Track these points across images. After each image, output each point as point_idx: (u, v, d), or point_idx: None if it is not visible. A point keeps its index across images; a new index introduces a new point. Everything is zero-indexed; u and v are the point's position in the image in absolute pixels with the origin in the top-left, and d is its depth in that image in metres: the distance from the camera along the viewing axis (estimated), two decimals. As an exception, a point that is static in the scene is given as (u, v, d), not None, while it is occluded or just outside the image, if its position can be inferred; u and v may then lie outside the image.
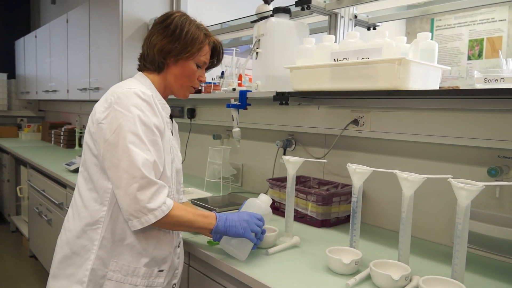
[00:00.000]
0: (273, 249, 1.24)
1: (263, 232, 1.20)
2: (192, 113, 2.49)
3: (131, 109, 1.03)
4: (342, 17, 1.69)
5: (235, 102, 1.68)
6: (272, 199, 1.54)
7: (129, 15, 2.53)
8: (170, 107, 1.24)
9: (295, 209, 1.47)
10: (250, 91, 1.70)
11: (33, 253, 3.30)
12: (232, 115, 1.69)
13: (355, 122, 1.60)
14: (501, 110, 1.22)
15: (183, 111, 2.57)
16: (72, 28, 3.30)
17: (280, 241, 1.32)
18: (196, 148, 2.52)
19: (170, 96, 1.28)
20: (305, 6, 1.58)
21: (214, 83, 2.09)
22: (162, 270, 1.13)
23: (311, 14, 1.71)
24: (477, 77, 1.10)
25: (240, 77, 2.07)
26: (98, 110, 1.08)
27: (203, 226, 1.12)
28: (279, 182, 1.68)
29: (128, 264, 1.08)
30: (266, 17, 1.65)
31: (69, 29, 3.34)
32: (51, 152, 3.49)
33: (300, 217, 1.57)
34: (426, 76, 1.25)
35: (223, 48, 1.31)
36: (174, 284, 1.22)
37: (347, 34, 1.42)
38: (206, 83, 2.08)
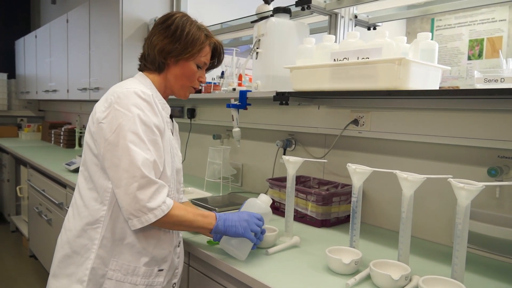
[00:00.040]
0: (273, 249, 1.24)
1: (263, 232, 1.20)
2: (192, 113, 2.49)
3: (131, 109, 1.04)
4: (342, 17, 1.69)
5: (235, 102, 1.68)
6: (272, 199, 1.54)
7: (129, 15, 2.54)
8: (170, 107, 1.24)
9: (295, 209, 1.47)
10: (250, 91, 1.70)
11: (33, 253, 3.30)
12: (232, 115, 1.69)
13: (355, 122, 1.60)
14: (501, 110, 1.22)
15: (183, 111, 2.57)
16: (72, 28, 3.30)
17: (280, 241, 1.32)
18: (196, 148, 2.52)
19: (170, 96, 1.28)
20: (305, 6, 1.58)
21: (214, 83, 2.09)
22: (162, 270, 1.14)
23: (311, 14, 1.71)
24: (477, 77, 1.10)
25: (240, 77, 2.07)
26: (99, 110, 1.08)
27: (203, 226, 1.12)
28: (279, 182, 1.68)
29: (128, 263, 1.08)
30: (266, 17, 1.65)
31: (69, 29, 3.34)
32: (51, 152, 3.49)
33: (300, 217, 1.57)
34: (426, 76, 1.25)
35: (223, 48, 1.31)
36: (174, 283, 1.22)
37: (347, 34, 1.42)
38: (206, 83, 2.08)
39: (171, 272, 1.19)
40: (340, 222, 1.58)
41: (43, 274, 3.08)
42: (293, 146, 1.89)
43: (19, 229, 3.73)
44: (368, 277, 1.05)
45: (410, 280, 1.02)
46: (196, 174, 2.51)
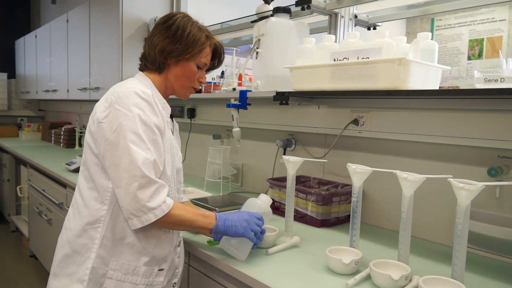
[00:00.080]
0: (273, 249, 1.24)
1: (263, 231, 1.20)
2: (192, 113, 2.49)
3: (131, 109, 1.04)
4: (342, 17, 1.69)
5: (235, 102, 1.68)
6: (272, 199, 1.54)
7: (129, 15, 2.54)
8: (170, 106, 1.24)
9: (295, 209, 1.47)
10: (250, 91, 1.70)
11: (33, 253, 3.30)
12: (232, 115, 1.69)
13: (355, 122, 1.60)
14: (501, 110, 1.22)
15: (183, 111, 2.57)
16: (72, 28, 3.30)
17: (280, 241, 1.32)
18: (196, 148, 2.52)
19: (170, 96, 1.28)
20: (305, 6, 1.58)
21: (214, 83, 2.09)
22: (162, 269, 1.14)
23: (311, 14, 1.71)
24: (477, 77, 1.10)
25: (240, 77, 2.07)
26: (99, 110, 1.08)
27: (203, 226, 1.12)
28: (279, 182, 1.68)
29: (128, 263, 1.08)
30: (266, 17, 1.65)
31: (69, 29, 3.34)
32: (51, 151, 3.49)
33: (300, 217, 1.57)
34: (426, 76, 1.25)
35: (224, 49, 1.31)
36: (174, 283, 1.23)
37: (347, 34, 1.42)
38: (206, 83, 2.08)
39: (171, 271, 1.19)
40: (340, 222, 1.58)
41: (43, 274, 3.09)
42: (293, 146, 1.89)
43: (19, 229, 3.73)
44: (368, 277, 1.05)
45: (410, 280, 1.02)
46: (196, 174, 2.51)
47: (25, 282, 3.01)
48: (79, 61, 3.15)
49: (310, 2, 1.57)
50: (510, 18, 3.75)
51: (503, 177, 1.22)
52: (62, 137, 3.84)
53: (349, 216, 1.25)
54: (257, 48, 1.66)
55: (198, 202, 1.72)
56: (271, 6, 1.69)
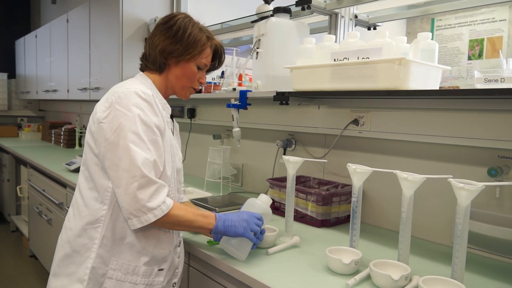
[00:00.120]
0: (273, 249, 1.24)
1: (262, 231, 1.20)
2: (192, 113, 2.49)
3: (131, 109, 1.04)
4: (343, 17, 1.69)
5: (235, 102, 1.68)
6: (272, 199, 1.54)
7: (129, 15, 2.54)
8: (170, 107, 1.24)
9: (295, 209, 1.47)
10: (250, 91, 1.70)
11: (33, 253, 3.30)
12: (232, 115, 1.69)
13: (355, 122, 1.60)
14: (501, 110, 1.22)
15: (183, 111, 2.57)
16: (72, 28, 3.30)
17: (280, 241, 1.32)
18: (196, 148, 2.52)
19: (171, 96, 1.28)
20: (306, 6, 1.58)
21: (214, 83, 2.09)
22: (162, 269, 1.14)
23: (311, 14, 1.71)
24: (477, 77, 1.10)
25: (240, 77, 2.07)
26: (99, 110, 1.08)
27: (203, 226, 1.12)
28: (279, 182, 1.68)
29: (128, 263, 1.08)
30: (266, 17, 1.65)
31: (69, 29, 3.34)
32: (51, 152, 3.49)
33: (300, 217, 1.57)
34: (426, 76, 1.25)
35: (224, 50, 1.31)
36: (174, 283, 1.23)
37: (347, 34, 1.42)
38: (206, 83, 2.08)
39: (171, 271, 1.19)
40: (340, 222, 1.58)
41: (43, 274, 3.09)
42: (293, 146, 1.89)
43: (19, 229, 3.73)
44: (368, 277, 1.05)
45: (410, 280, 1.02)
46: (196, 174, 2.51)
47: (25, 282, 3.01)
48: (79, 61, 3.15)
49: (310, 2, 1.57)
50: (510, 18, 3.75)
51: (503, 177, 1.22)
52: (62, 137, 3.84)
53: (349, 216, 1.25)
54: (257, 48, 1.66)
55: (198, 202, 1.72)
56: (271, 6, 1.69)
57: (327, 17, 1.71)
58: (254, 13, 1.73)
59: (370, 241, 1.39)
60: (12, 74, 4.78)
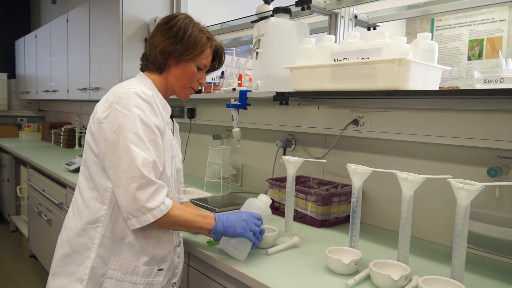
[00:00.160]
0: (273, 249, 1.24)
1: (262, 231, 1.20)
2: (192, 113, 2.49)
3: (131, 109, 1.04)
4: (342, 17, 1.69)
5: (235, 102, 1.68)
6: (272, 199, 1.54)
7: (129, 15, 2.54)
8: (170, 107, 1.24)
9: (295, 209, 1.47)
10: (250, 91, 1.70)
11: (33, 253, 3.30)
12: (232, 115, 1.69)
13: (355, 122, 1.60)
14: (501, 110, 1.22)
15: (183, 111, 2.57)
16: (72, 28, 3.30)
17: (280, 241, 1.32)
18: (196, 148, 2.52)
19: (170, 96, 1.28)
20: (305, 6, 1.58)
21: (214, 83, 2.09)
22: (161, 269, 1.14)
23: (311, 14, 1.71)
24: (477, 77, 1.10)
25: (240, 77, 2.07)
26: (99, 110, 1.08)
27: (202, 226, 1.12)
28: (279, 182, 1.68)
29: (128, 263, 1.08)
30: (266, 17, 1.65)
31: (69, 29, 3.34)
32: (51, 152, 3.49)
33: (300, 217, 1.57)
34: (426, 76, 1.25)
35: (224, 50, 1.31)
36: (174, 283, 1.23)
37: (347, 34, 1.42)
38: (206, 83, 2.08)
39: (170, 271, 1.19)
40: (340, 222, 1.58)
41: (43, 274, 3.09)
42: (293, 146, 1.89)
43: (19, 229, 3.73)
44: (368, 277, 1.05)
45: (410, 280, 1.02)
46: (196, 174, 2.51)
47: (25, 282, 3.01)
48: (79, 61, 3.15)
49: (310, 2, 1.57)
50: (510, 18, 3.76)
51: (502, 177, 1.22)
52: (62, 137, 3.84)
53: (349, 216, 1.25)
54: (257, 48, 1.66)
55: (198, 202, 1.72)
56: (271, 6, 1.69)
57: (327, 17, 1.71)
58: (254, 13, 1.73)
59: (370, 241, 1.39)
60: (12, 74, 4.78)
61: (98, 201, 1.09)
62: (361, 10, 1.74)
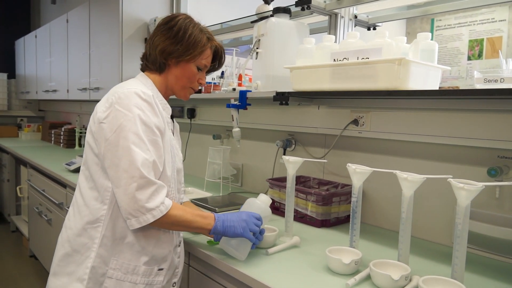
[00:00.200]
0: (273, 249, 1.24)
1: (262, 231, 1.20)
2: (192, 113, 2.49)
3: (132, 109, 1.04)
4: (342, 17, 1.69)
5: (235, 102, 1.68)
6: (272, 199, 1.54)
7: (129, 15, 2.54)
8: (170, 107, 1.24)
9: (295, 209, 1.47)
10: (250, 91, 1.70)
11: (33, 253, 3.30)
12: (232, 115, 1.69)
13: (355, 122, 1.60)
14: (501, 110, 1.22)
15: (183, 111, 2.57)
16: (72, 28, 3.30)
17: (280, 241, 1.32)
18: (196, 148, 2.52)
19: (171, 96, 1.29)
20: (305, 6, 1.58)
21: (214, 83, 2.09)
22: (162, 269, 1.14)
23: (311, 14, 1.71)
24: (477, 77, 1.10)
25: (240, 77, 2.07)
26: (100, 110, 1.08)
27: (202, 227, 1.12)
28: (279, 182, 1.68)
29: (128, 262, 1.08)
30: (266, 17, 1.65)
31: (69, 29, 3.34)
32: (51, 152, 3.49)
33: (300, 217, 1.57)
34: (426, 76, 1.25)
35: (225, 51, 1.31)
36: (174, 282, 1.23)
37: (347, 34, 1.42)
38: (206, 83, 2.08)
39: (171, 271, 1.19)
40: (340, 222, 1.58)
41: (43, 274, 3.09)
42: (293, 146, 1.89)
43: (19, 229, 3.73)
44: (368, 277, 1.05)
45: (410, 280, 1.02)
46: (196, 174, 2.51)
47: (25, 282, 3.01)
48: (79, 61, 3.15)
49: (310, 2, 1.57)
50: (510, 18, 3.76)
51: (503, 177, 1.22)
52: (62, 137, 3.84)
53: (349, 216, 1.25)
54: (257, 48, 1.66)
55: (198, 202, 1.72)
56: (271, 6, 1.69)
57: (327, 17, 1.71)
58: (254, 13, 1.73)
59: (370, 241, 1.39)
60: (12, 74, 4.78)
61: (99, 201, 1.09)
62: (361, 10, 1.74)
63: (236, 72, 2.11)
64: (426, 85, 1.25)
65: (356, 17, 1.74)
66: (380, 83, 1.21)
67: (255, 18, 1.73)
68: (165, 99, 1.23)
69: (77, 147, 3.73)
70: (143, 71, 1.24)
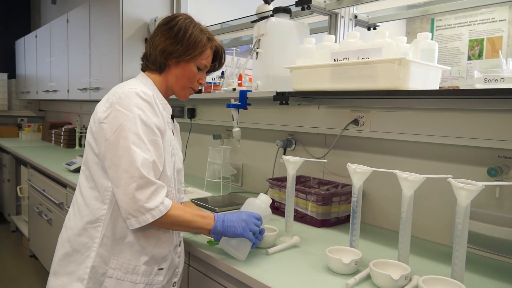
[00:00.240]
0: (273, 249, 1.24)
1: (261, 231, 1.20)
2: (192, 113, 2.49)
3: (132, 109, 1.04)
4: (342, 17, 1.69)
5: (235, 102, 1.68)
6: (272, 199, 1.54)
7: (129, 15, 2.54)
8: (170, 107, 1.24)
9: (295, 209, 1.47)
10: (250, 91, 1.70)
11: (33, 253, 3.30)
12: (232, 115, 1.69)
13: (355, 122, 1.60)
14: (501, 110, 1.22)
15: (183, 111, 2.57)
16: (72, 28, 3.30)
17: (280, 241, 1.32)
18: (196, 148, 2.52)
19: (171, 96, 1.29)
20: (305, 6, 1.58)
21: (214, 83, 2.09)
22: (162, 269, 1.14)
23: (311, 14, 1.71)
24: (477, 77, 1.10)
25: (240, 77, 2.07)
26: (100, 110, 1.08)
27: (201, 227, 1.12)
28: (279, 182, 1.68)
29: (128, 262, 1.08)
30: (266, 17, 1.65)
31: (70, 29, 3.34)
32: (51, 152, 3.49)
33: (300, 217, 1.58)
34: (426, 76, 1.25)
35: (225, 51, 1.31)
36: (174, 282, 1.23)
37: (347, 34, 1.42)
38: (206, 83, 2.08)
39: (171, 271, 1.19)
40: (340, 222, 1.58)
41: (44, 274, 3.09)
42: (293, 146, 1.89)
43: (19, 229, 3.73)
44: (368, 277, 1.05)
45: (410, 280, 1.02)
46: (196, 174, 2.51)
47: (25, 282, 3.01)
48: (79, 61, 3.16)
49: (310, 2, 1.57)
50: (510, 18, 3.75)
51: (503, 177, 1.22)
52: (62, 137, 3.84)
53: (349, 216, 1.25)
54: (257, 48, 1.66)
55: (198, 202, 1.72)
56: (271, 6, 1.69)
57: (327, 17, 1.71)
58: (254, 13, 1.73)
59: (370, 241, 1.39)
60: (12, 74, 4.78)
61: (99, 200, 1.09)
62: (361, 10, 1.74)
63: (236, 72, 2.11)
64: (426, 85, 1.25)
65: (356, 17, 1.74)
66: (380, 83, 1.21)
67: (255, 18, 1.73)
68: (166, 99, 1.23)
69: (77, 147, 3.73)
70: (144, 71, 1.24)
